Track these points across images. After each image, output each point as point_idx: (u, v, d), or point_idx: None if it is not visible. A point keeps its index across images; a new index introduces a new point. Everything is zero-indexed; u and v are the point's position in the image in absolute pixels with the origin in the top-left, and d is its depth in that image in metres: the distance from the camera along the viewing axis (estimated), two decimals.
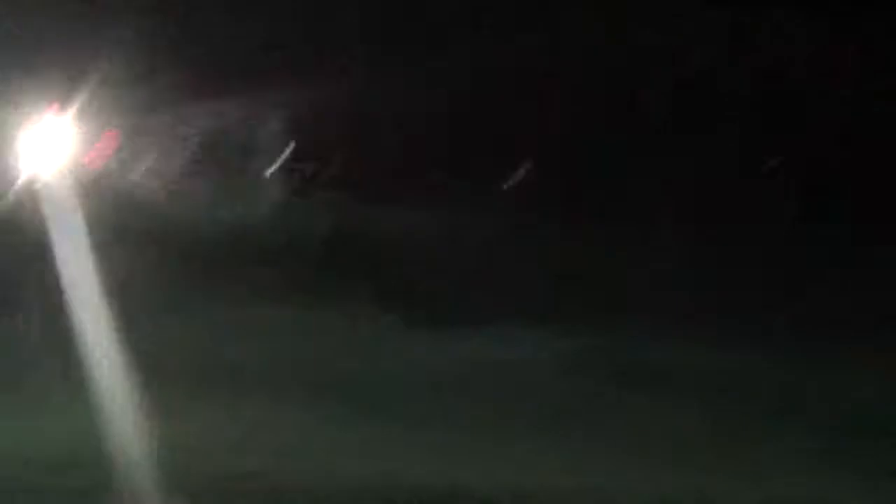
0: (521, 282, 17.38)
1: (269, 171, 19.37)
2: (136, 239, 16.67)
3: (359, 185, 16.96)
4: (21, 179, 14.98)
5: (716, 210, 17.20)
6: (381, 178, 16.88)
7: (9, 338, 13.81)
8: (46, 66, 15.32)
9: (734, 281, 17.06)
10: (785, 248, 17.16)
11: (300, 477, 10.27)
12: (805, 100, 17.06)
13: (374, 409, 12.14)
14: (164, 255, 16.33)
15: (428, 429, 11.60)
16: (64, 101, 15.38)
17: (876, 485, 9.95)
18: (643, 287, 16.69)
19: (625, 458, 10.96)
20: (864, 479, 10.15)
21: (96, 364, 12.40)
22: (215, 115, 17.90)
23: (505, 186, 17.52)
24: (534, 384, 13.59)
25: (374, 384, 13.05)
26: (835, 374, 14.23)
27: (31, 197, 15.58)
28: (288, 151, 19.14)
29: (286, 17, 17.71)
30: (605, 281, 16.93)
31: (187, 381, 12.10)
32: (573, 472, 10.57)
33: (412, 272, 17.63)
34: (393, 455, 10.85)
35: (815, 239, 16.83)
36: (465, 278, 17.64)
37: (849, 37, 18.61)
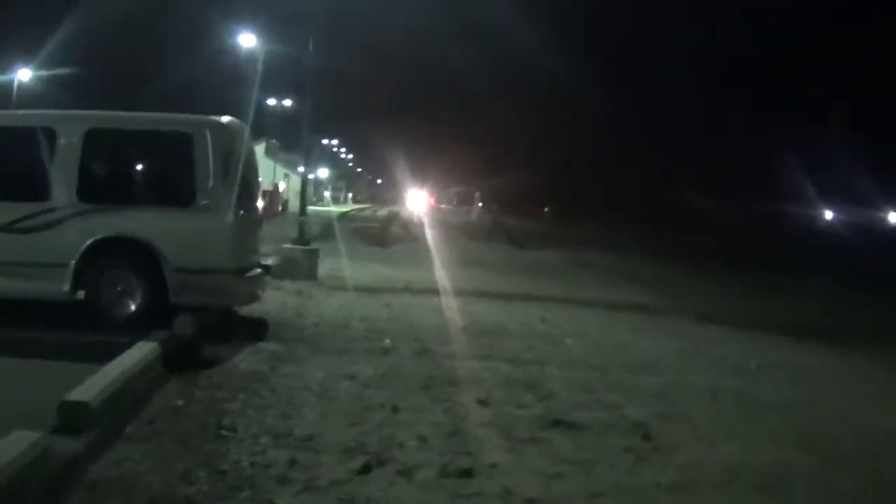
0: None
1: None
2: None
3: None
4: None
5: None
6: None
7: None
8: None
9: None
10: None
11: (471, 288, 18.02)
12: None
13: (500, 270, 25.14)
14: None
15: (508, 273, 23.39)
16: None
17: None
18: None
19: (570, 286, 20.76)
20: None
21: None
22: None
23: None
24: (549, 265, 28.02)
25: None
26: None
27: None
28: None
29: None
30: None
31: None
32: (544, 288, 19.56)
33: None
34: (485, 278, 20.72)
35: None
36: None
37: None
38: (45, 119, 10.62)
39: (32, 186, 10.10)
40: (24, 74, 45.27)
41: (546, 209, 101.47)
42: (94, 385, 6.43)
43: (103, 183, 10.35)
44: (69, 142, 10.10)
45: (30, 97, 42.11)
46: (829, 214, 74.35)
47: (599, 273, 26.49)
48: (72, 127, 10.24)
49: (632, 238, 50.18)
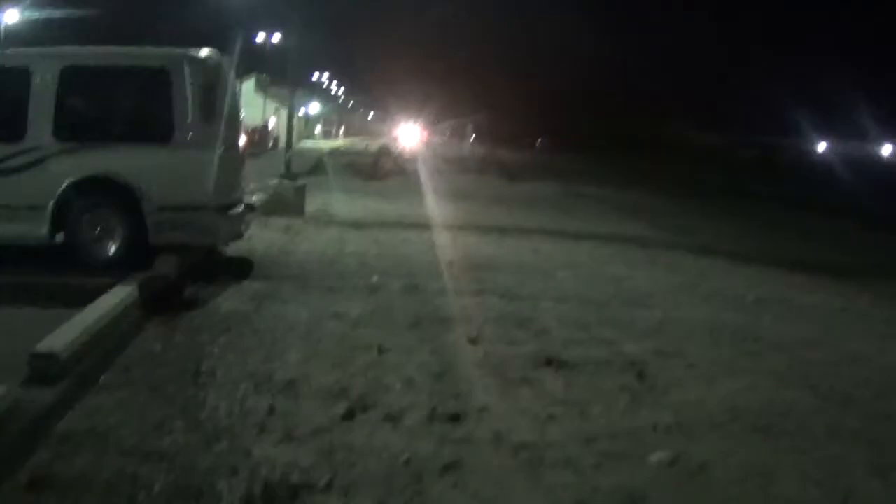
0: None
1: None
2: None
3: None
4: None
5: None
6: None
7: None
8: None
9: None
10: None
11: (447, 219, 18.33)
12: None
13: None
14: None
15: (500, 206, 23.10)
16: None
17: None
18: None
19: (564, 218, 20.69)
20: None
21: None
22: None
23: None
24: (542, 197, 27.84)
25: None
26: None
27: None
28: None
29: None
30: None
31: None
32: (537, 221, 19.71)
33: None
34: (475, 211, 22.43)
35: None
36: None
37: None
38: (19, 58, 10.31)
39: (7, 127, 9.78)
40: (11, 16, 44.04)
41: (539, 140, 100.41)
42: (67, 332, 6.23)
43: (80, 121, 10.05)
44: (44, 80, 9.76)
45: (17, 40, 41.06)
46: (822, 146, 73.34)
47: (593, 205, 26.14)
48: (47, 65, 9.89)
49: (630, 170, 49.81)
